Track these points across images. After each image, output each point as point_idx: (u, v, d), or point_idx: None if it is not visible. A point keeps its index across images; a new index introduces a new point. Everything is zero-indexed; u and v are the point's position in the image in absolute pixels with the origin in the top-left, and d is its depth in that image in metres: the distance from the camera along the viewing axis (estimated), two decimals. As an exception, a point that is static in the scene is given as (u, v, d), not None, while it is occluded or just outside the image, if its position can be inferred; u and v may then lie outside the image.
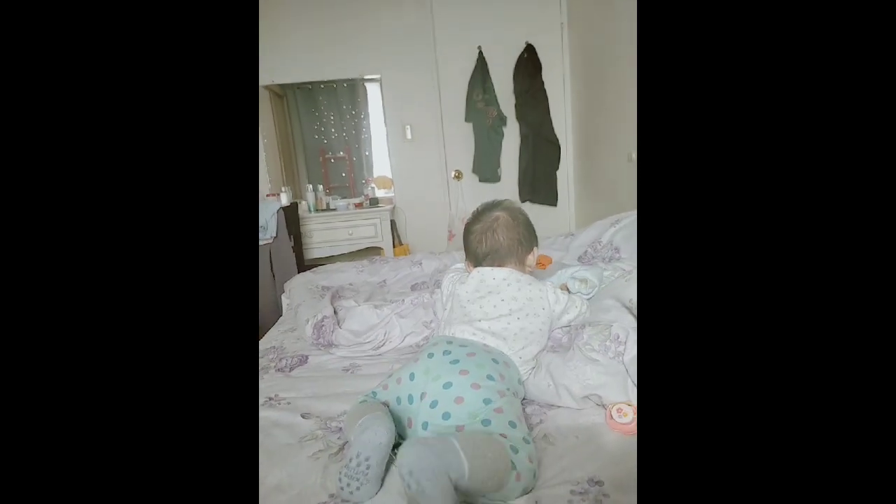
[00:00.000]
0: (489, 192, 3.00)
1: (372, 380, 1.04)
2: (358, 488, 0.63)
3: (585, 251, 1.65)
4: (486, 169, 2.96)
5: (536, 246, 1.06)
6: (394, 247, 3.03)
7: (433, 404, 0.74)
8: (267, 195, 2.89)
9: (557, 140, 2.87)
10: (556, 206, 2.98)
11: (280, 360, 1.17)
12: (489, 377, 0.77)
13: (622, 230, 1.57)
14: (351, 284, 1.72)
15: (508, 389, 0.78)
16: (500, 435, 0.68)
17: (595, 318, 0.93)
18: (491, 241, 1.01)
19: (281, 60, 2.97)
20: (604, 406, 0.82)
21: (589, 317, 0.97)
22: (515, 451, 0.65)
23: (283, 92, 3.21)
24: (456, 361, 0.79)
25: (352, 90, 3.23)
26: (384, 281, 1.72)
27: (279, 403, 0.95)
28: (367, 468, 0.63)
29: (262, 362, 1.16)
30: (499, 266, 1.00)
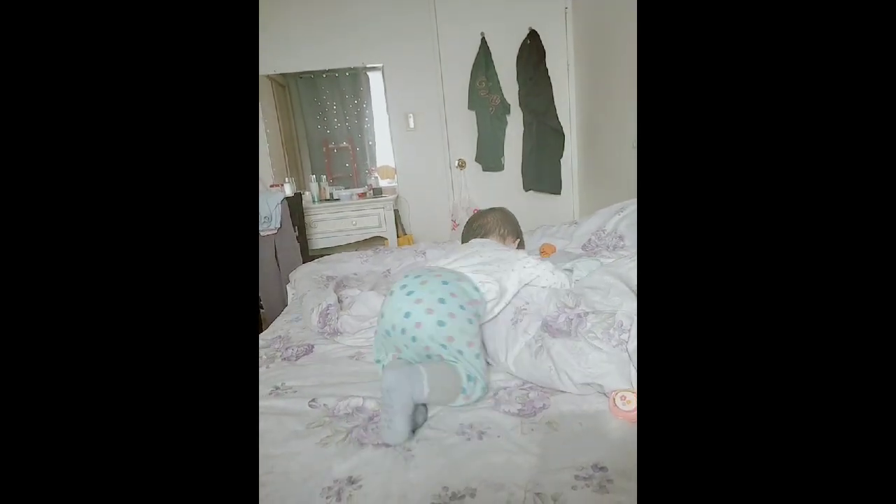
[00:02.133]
0: (492, 181, 3.00)
1: (378, 370, 1.05)
2: (388, 422, 0.77)
3: (589, 239, 1.65)
4: (490, 158, 2.94)
5: (521, 239, 1.33)
6: (398, 237, 3.03)
7: (402, 332, 0.90)
8: (270, 186, 2.90)
9: (561, 128, 2.85)
10: (559, 194, 2.97)
11: (286, 349, 1.18)
12: (440, 300, 0.91)
13: (626, 218, 1.57)
14: (355, 274, 1.72)
15: (461, 307, 0.91)
16: (458, 354, 0.87)
17: (599, 299, 0.93)
18: (478, 223, 1.30)
19: (282, 50, 2.95)
20: (605, 394, 0.83)
21: (583, 292, 0.98)
22: (470, 378, 0.85)
23: (285, 82, 3.19)
24: (411, 293, 0.93)
25: (354, 79, 3.21)
26: (388, 270, 1.73)
27: (286, 392, 0.96)
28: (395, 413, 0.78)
29: (268, 352, 1.18)
30: (483, 238, 1.24)
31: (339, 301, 1.32)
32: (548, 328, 0.95)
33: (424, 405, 0.85)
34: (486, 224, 1.29)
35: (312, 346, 1.18)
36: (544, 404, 0.85)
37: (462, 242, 1.31)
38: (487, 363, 0.98)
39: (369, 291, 1.31)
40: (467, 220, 1.37)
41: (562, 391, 0.87)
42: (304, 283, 1.66)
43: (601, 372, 0.83)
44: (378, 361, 0.98)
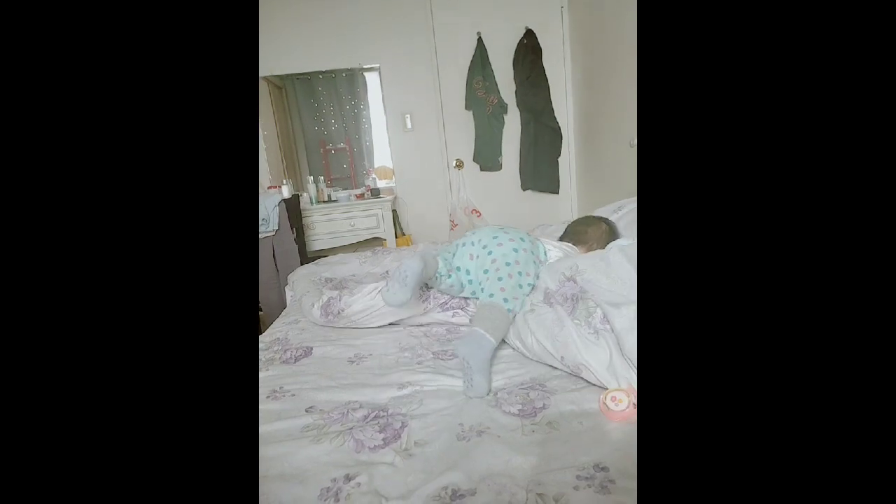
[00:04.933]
0: (490, 181, 3.00)
1: (377, 371, 1.05)
2: (396, 291, 1.04)
3: (588, 238, 1.65)
4: (487, 157, 2.93)
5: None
6: (396, 237, 3.02)
7: (484, 247, 1.20)
8: (268, 187, 2.89)
9: (559, 127, 2.85)
10: (558, 193, 2.97)
11: (285, 351, 1.17)
12: (521, 239, 1.22)
13: (625, 217, 1.56)
14: (354, 276, 1.72)
15: (532, 252, 1.20)
16: (508, 276, 1.11)
17: (594, 276, 1.01)
18: (580, 228, 1.46)
19: (279, 51, 2.94)
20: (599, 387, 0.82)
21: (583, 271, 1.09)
22: (507, 301, 1.06)
23: (281, 83, 3.18)
24: (501, 228, 1.26)
25: (351, 80, 3.20)
26: (387, 272, 1.72)
27: (283, 395, 0.95)
28: (405, 280, 1.04)
29: (266, 354, 1.17)
30: (575, 244, 1.42)
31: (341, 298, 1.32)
32: (549, 297, 1.05)
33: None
34: (584, 234, 1.41)
35: (311, 349, 1.18)
36: (544, 404, 0.84)
37: (564, 233, 1.48)
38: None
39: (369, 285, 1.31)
40: (578, 218, 1.53)
41: (561, 391, 0.87)
42: (302, 285, 1.65)
43: (584, 359, 0.88)
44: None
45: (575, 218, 2.27)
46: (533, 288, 1.13)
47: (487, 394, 0.90)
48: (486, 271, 1.14)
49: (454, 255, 1.25)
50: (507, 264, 1.13)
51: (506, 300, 1.06)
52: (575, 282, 1.03)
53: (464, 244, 1.25)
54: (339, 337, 1.24)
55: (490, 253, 1.17)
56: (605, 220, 1.45)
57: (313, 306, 1.26)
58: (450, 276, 1.17)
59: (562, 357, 0.93)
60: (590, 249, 1.38)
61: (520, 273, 1.12)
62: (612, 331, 0.86)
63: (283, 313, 1.56)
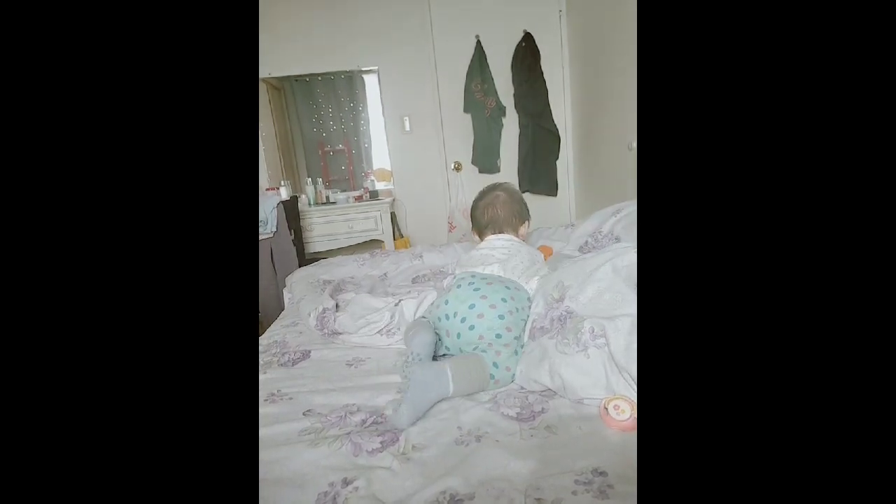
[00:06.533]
0: (488, 183, 2.99)
1: (375, 374, 1.04)
2: (397, 407, 0.86)
3: (586, 241, 1.65)
4: (486, 160, 2.94)
5: (529, 219, 1.38)
6: (394, 239, 3.03)
7: (462, 320, 1.03)
8: (266, 189, 2.89)
9: (557, 129, 2.86)
10: (556, 196, 2.97)
11: (283, 354, 1.17)
12: (503, 300, 1.04)
13: (623, 219, 1.56)
14: (352, 278, 1.72)
15: (518, 308, 1.04)
16: (504, 346, 0.97)
17: (578, 292, 0.96)
18: (491, 212, 1.32)
19: (278, 53, 2.94)
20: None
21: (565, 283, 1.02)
22: (497, 366, 0.93)
23: (280, 84, 3.19)
24: (478, 289, 1.06)
25: (349, 82, 3.20)
26: (385, 274, 1.72)
27: (281, 399, 0.95)
28: (420, 359, 0.94)
29: (264, 357, 1.17)
30: (499, 233, 1.31)
31: (336, 305, 1.32)
32: (534, 330, 0.99)
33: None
34: (497, 218, 1.31)
35: (309, 352, 1.17)
36: (543, 408, 0.84)
37: (473, 228, 1.37)
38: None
39: (365, 294, 1.31)
40: (473, 204, 1.38)
41: (559, 395, 0.87)
42: (300, 288, 1.65)
43: (579, 384, 0.84)
44: (414, 321, 1.12)
45: (574, 220, 2.26)
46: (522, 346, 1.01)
47: (404, 427, 0.81)
48: (476, 346, 0.99)
49: (437, 329, 1.08)
50: (498, 336, 0.99)
51: (496, 365, 0.93)
52: (563, 301, 0.98)
53: (439, 318, 1.08)
54: (336, 340, 1.24)
55: (472, 328, 1.01)
56: (497, 187, 1.37)
57: (310, 315, 1.26)
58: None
59: (561, 389, 0.87)
60: (515, 228, 1.31)
61: (515, 339, 1.00)
62: (608, 345, 0.84)
63: (280, 315, 1.56)
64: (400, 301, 1.22)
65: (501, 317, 1.01)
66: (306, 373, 1.07)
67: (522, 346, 0.99)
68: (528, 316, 1.05)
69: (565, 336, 0.91)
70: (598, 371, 0.83)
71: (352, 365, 1.10)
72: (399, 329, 1.18)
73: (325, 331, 1.21)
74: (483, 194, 1.38)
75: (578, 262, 1.05)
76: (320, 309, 1.25)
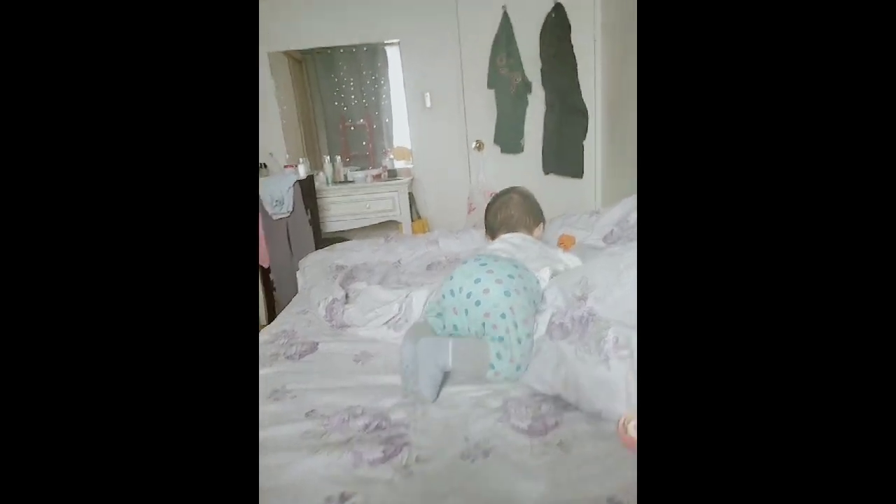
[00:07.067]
0: (512, 164, 2.89)
1: (381, 372, 1.01)
2: (415, 383, 0.89)
3: (611, 231, 1.56)
4: (509, 139, 2.82)
5: (544, 222, 1.35)
6: (412, 220, 2.97)
7: (469, 295, 0.98)
8: (285, 166, 2.85)
9: (585, 108, 2.71)
10: (581, 177, 2.85)
11: (290, 346, 1.15)
12: (509, 276, 0.98)
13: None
14: (365, 264, 1.68)
15: (524, 288, 0.98)
16: (508, 329, 0.92)
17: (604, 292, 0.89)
18: (504, 213, 1.29)
19: (299, 25, 2.86)
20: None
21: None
22: (500, 357, 0.90)
23: (301, 57, 3.12)
24: (484, 264, 1.01)
25: (371, 55, 3.11)
26: (399, 261, 1.68)
27: (285, 396, 0.92)
28: (414, 370, 0.89)
29: (271, 348, 1.14)
30: (512, 232, 1.26)
31: (346, 295, 1.28)
32: (553, 328, 0.93)
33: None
34: (510, 218, 1.28)
35: (317, 344, 1.14)
36: (556, 421, 0.79)
37: (486, 233, 1.34)
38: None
39: (376, 285, 1.27)
40: (487, 207, 1.34)
41: (575, 407, 0.81)
42: (313, 272, 1.63)
43: (595, 395, 0.78)
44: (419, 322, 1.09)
45: (599, 206, 2.16)
46: (532, 340, 0.94)
47: (434, 399, 0.87)
48: (483, 325, 0.95)
49: (443, 308, 1.04)
50: (503, 316, 0.93)
51: (499, 356, 0.89)
52: (585, 301, 0.90)
53: (444, 296, 1.03)
54: (345, 333, 1.20)
55: (478, 304, 0.95)
56: (511, 190, 1.33)
57: (319, 305, 1.22)
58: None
59: (577, 401, 0.82)
60: (529, 228, 1.27)
61: (516, 325, 0.92)
62: (632, 358, 0.77)
63: (292, 301, 1.54)
64: (409, 293, 1.17)
65: (507, 293, 0.94)
66: (312, 367, 1.04)
67: (529, 336, 0.93)
68: (535, 302, 0.99)
69: (586, 342, 0.84)
70: (619, 385, 0.77)
71: (359, 360, 1.07)
72: (406, 321, 1.14)
73: (334, 322, 1.18)
74: (496, 198, 1.35)
75: (607, 258, 0.98)
76: (330, 299, 1.22)
